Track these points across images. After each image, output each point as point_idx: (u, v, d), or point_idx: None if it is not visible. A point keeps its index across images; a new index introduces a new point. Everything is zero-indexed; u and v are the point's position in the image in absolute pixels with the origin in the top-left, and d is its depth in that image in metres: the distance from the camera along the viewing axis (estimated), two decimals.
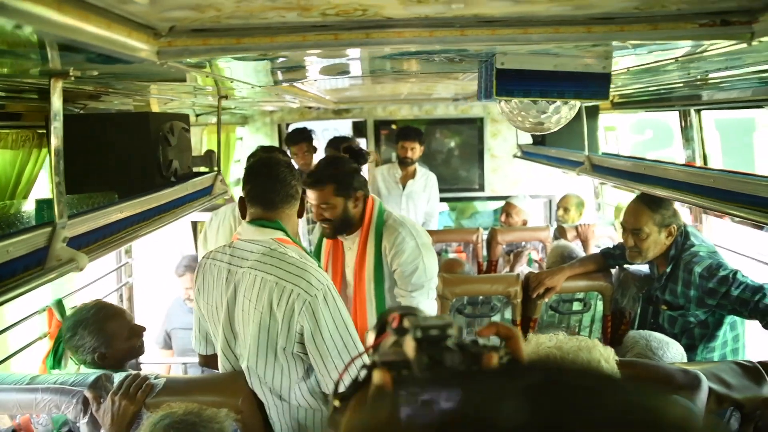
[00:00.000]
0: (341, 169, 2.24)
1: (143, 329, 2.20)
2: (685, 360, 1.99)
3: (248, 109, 4.65)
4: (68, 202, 1.81)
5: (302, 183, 2.04)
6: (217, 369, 1.95)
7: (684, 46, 1.27)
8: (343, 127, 6.45)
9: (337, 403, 0.61)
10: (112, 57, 1.18)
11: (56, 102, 1.29)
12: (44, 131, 2.12)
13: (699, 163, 2.98)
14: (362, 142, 5.30)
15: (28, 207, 1.99)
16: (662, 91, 2.90)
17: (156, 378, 1.85)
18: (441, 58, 1.57)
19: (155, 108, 2.76)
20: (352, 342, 1.71)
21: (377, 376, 0.55)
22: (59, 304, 2.40)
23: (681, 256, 2.41)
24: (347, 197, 2.22)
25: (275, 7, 0.97)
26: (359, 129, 5.59)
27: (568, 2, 1.02)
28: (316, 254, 2.46)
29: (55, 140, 1.31)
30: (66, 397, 1.81)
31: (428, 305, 2.31)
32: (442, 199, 4.84)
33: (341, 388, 0.61)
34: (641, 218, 2.44)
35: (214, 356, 1.98)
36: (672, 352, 1.93)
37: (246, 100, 3.11)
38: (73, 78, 1.27)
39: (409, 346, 0.55)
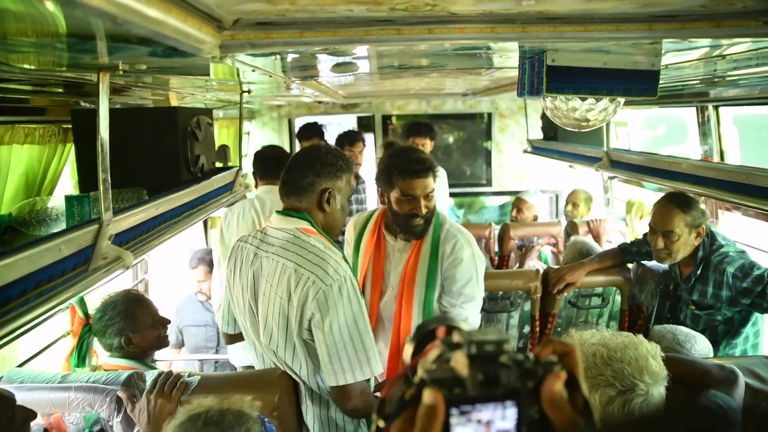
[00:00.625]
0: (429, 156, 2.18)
1: (168, 321, 2.20)
2: (711, 354, 2.00)
3: (257, 103, 4.63)
4: (96, 198, 1.80)
5: (400, 174, 2.05)
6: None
7: (738, 42, 1.27)
8: (347, 122, 6.44)
9: (381, 423, 0.57)
10: (167, 50, 1.17)
11: (104, 96, 1.27)
12: (69, 126, 2.10)
13: (716, 158, 2.99)
14: (368, 137, 5.29)
15: (53, 203, 1.97)
16: (679, 87, 2.91)
17: (189, 376, 1.84)
18: (481, 53, 1.56)
19: (174, 102, 2.73)
20: (359, 339, 1.69)
21: (428, 395, 0.51)
22: (81, 302, 2.37)
23: (710, 258, 2.39)
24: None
25: (348, 1, 0.95)
26: (363, 124, 5.58)
27: (629, 2, 1.02)
28: (355, 250, 2.31)
29: (103, 135, 1.29)
30: (99, 396, 1.80)
31: (476, 319, 2.24)
32: (450, 194, 4.85)
33: (387, 408, 0.56)
34: (673, 219, 2.37)
35: (240, 334, 2.03)
36: (699, 345, 1.94)
37: (264, 94, 3.09)
38: (121, 72, 1.25)
39: (461, 362, 0.52)
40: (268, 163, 2.86)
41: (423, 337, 0.64)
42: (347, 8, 1.00)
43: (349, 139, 4.04)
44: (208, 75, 1.88)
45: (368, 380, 1.79)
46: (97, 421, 1.88)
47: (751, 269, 2.28)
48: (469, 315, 2.16)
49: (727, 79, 2.43)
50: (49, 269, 1.20)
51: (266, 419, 1.84)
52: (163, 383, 1.78)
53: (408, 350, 0.64)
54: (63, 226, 1.74)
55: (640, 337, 1.42)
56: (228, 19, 1.04)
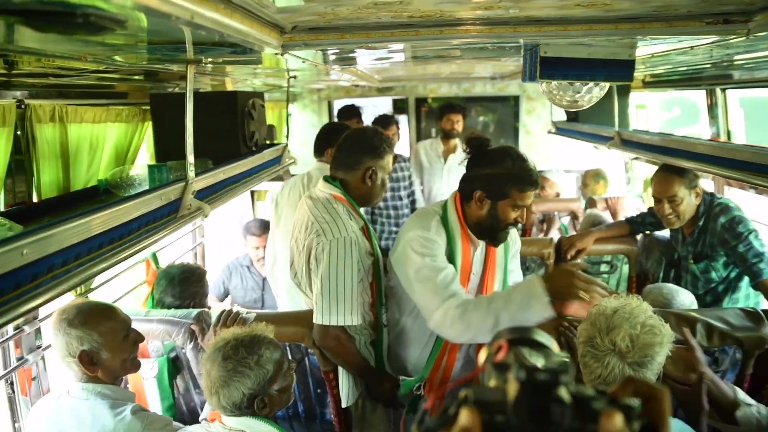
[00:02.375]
0: None
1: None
2: (694, 305, 2.28)
3: (299, 87, 5.00)
4: (171, 167, 2.20)
5: (517, 184, 1.93)
6: None
7: (693, 38, 1.55)
8: (383, 104, 6.76)
9: None
10: (240, 48, 1.53)
11: (190, 84, 1.64)
12: (147, 107, 2.50)
13: (723, 138, 3.21)
14: (403, 119, 5.61)
15: (137, 171, 2.37)
16: (690, 71, 3.12)
17: (247, 313, 2.24)
18: (493, 46, 1.87)
19: (229, 87, 3.12)
20: (342, 291, 1.99)
21: (465, 416, 0.46)
22: (154, 256, 2.81)
23: (711, 210, 2.60)
24: None
25: (377, 12, 1.30)
26: (398, 106, 5.89)
27: (600, 6, 1.32)
28: (450, 258, 2.03)
29: (189, 115, 1.67)
30: (176, 327, 2.21)
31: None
32: None
33: (430, 419, 0.51)
34: (674, 185, 2.60)
35: None
36: (681, 298, 2.23)
37: (308, 79, 3.45)
38: (204, 64, 1.62)
39: (512, 386, 0.46)
40: (321, 142, 3.12)
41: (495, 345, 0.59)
42: (376, 16, 1.35)
43: (383, 123, 4.36)
44: (263, 64, 2.25)
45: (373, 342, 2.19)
46: (173, 349, 2.30)
47: (738, 224, 2.50)
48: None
49: (735, 63, 2.65)
50: (151, 214, 1.59)
51: (309, 350, 2.25)
52: (226, 318, 2.18)
53: (481, 357, 0.59)
54: (146, 188, 2.14)
55: (657, 325, 1.44)
56: (288, 26, 1.40)
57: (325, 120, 5.56)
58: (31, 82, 1.83)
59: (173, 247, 3.29)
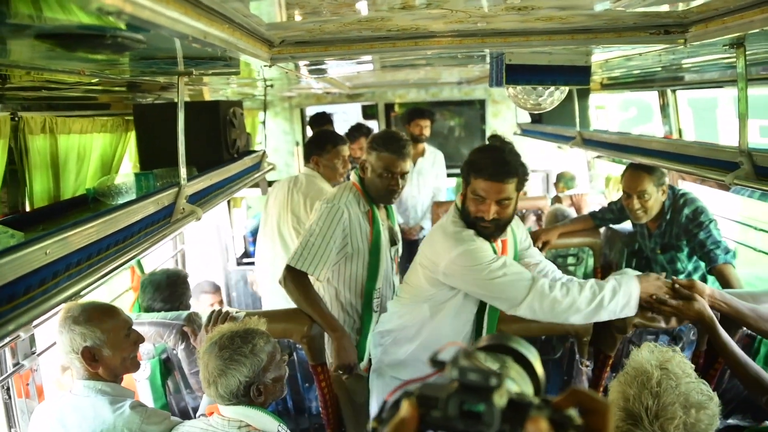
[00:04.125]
0: (519, 159, 2.00)
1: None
2: None
3: (270, 95, 5.09)
4: (158, 174, 2.28)
5: (476, 172, 1.97)
6: None
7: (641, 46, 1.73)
8: (353, 110, 6.89)
9: (374, 424, 0.54)
10: (229, 61, 1.64)
11: (181, 95, 1.74)
12: (130, 118, 2.57)
13: (675, 135, 3.44)
14: (373, 125, 5.75)
15: (123, 179, 2.44)
16: (644, 74, 3.35)
17: (236, 312, 2.33)
18: (462, 55, 2.03)
19: (207, 96, 3.21)
20: (316, 246, 2.30)
21: (404, 408, 0.49)
22: (138, 263, 2.88)
23: (675, 203, 2.78)
24: (518, 191, 2.03)
25: (360, 28, 1.43)
26: (368, 113, 6.02)
27: (557, 20, 1.48)
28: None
29: (181, 124, 1.77)
30: (167, 329, 2.29)
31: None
32: (448, 175, 5.30)
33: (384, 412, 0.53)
34: (643, 182, 2.75)
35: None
36: None
37: (283, 87, 3.55)
38: (194, 75, 1.73)
39: (451, 385, 0.49)
40: (307, 149, 3.24)
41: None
42: (358, 31, 1.48)
43: (354, 133, 4.47)
44: (244, 75, 2.35)
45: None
46: (165, 350, 2.37)
47: (700, 214, 2.69)
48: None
49: (683, 67, 2.87)
50: (145, 221, 1.67)
51: (297, 345, 2.35)
52: (217, 317, 2.27)
53: (446, 352, 0.60)
54: (133, 196, 2.21)
55: (711, 405, 1.24)
56: (276, 40, 1.52)
57: (298, 127, 5.66)
58: (23, 95, 1.90)
59: (155, 254, 3.35)
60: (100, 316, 1.76)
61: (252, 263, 4.51)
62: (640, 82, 3.58)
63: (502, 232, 2.08)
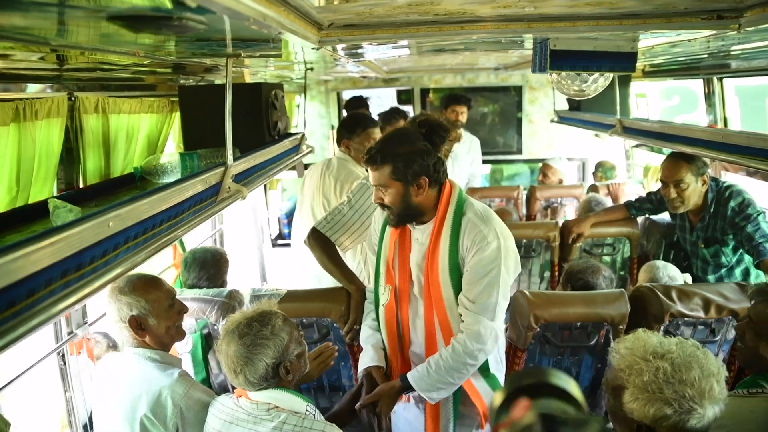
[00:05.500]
0: (402, 149, 1.86)
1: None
2: (688, 281, 2.46)
3: (308, 78, 5.13)
4: (202, 154, 2.34)
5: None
6: None
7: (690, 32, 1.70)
8: (387, 95, 6.89)
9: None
10: (275, 42, 1.67)
11: (229, 77, 1.78)
12: (175, 99, 2.64)
13: (720, 125, 3.36)
14: (408, 109, 5.75)
15: (168, 159, 2.51)
16: (688, 61, 3.26)
17: (277, 291, 2.40)
18: (506, 40, 2.02)
19: (247, 78, 3.26)
20: (349, 219, 2.38)
21: None
22: (180, 241, 2.97)
23: (719, 195, 2.72)
24: (406, 182, 1.87)
25: (407, 11, 1.45)
26: (402, 98, 6.02)
27: (606, 5, 1.47)
28: (379, 242, 2.10)
29: (228, 106, 1.81)
30: (209, 305, 2.37)
31: (489, 327, 1.87)
32: (483, 162, 5.28)
33: None
34: (681, 170, 2.72)
35: None
36: (669, 271, 2.44)
37: (321, 71, 3.58)
38: (243, 58, 1.76)
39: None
40: (339, 134, 3.24)
41: (512, 394, 0.57)
42: (405, 15, 1.50)
43: (388, 117, 4.47)
44: (286, 59, 2.39)
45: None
46: (206, 326, 2.45)
47: (747, 207, 2.63)
48: (482, 328, 1.84)
49: (731, 53, 2.79)
50: (193, 198, 1.73)
51: (335, 323, 2.41)
52: (260, 295, 2.35)
53: (497, 400, 0.58)
54: (178, 175, 2.28)
55: (708, 353, 1.34)
56: (325, 23, 1.55)
57: (333, 110, 5.70)
58: (78, 76, 1.98)
59: (195, 233, 3.44)
60: (145, 286, 1.84)
61: (286, 245, 4.60)
62: (685, 69, 3.49)
63: (404, 222, 1.96)
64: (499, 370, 2.06)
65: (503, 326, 1.94)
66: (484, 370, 1.97)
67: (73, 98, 1.91)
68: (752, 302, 1.64)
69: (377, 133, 3.14)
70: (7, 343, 0.89)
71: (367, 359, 2.04)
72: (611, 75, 2.12)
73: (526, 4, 1.42)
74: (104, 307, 1.88)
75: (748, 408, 1.42)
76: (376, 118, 4.41)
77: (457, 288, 1.90)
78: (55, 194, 1.91)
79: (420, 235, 1.98)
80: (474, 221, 1.89)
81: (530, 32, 1.60)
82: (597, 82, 2.12)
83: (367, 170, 1.96)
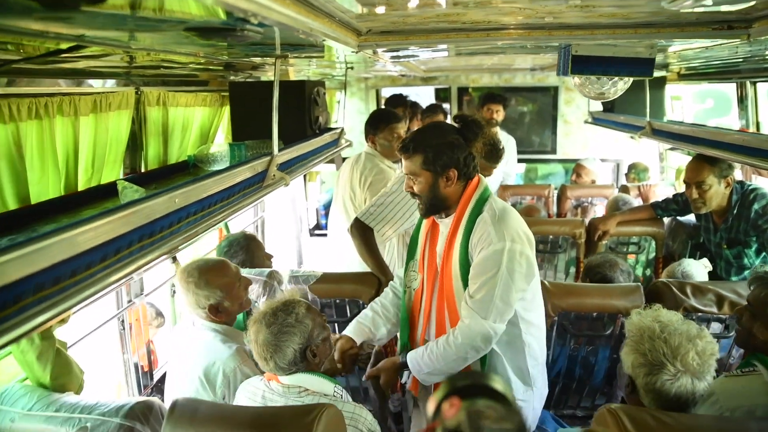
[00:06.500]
0: (434, 140, 1.91)
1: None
2: (698, 278, 2.56)
3: (348, 76, 5.34)
4: (249, 145, 2.56)
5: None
6: None
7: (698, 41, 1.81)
8: (426, 93, 7.05)
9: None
10: (319, 45, 1.86)
11: (277, 76, 1.99)
12: (225, 94, 2.87)
13: (752, 129, 3.39)
14: (445, 107, 5.89)
15: (218, 149, 2.74)
16: (722, 65, 3.31)
17: (313, 273, 2.60)
18: (531, 45, 2.17)
19: (292, 76, 3.48)
20: (385, 207, 2.59)
21: None
22: (226, 225, 3.21)
23: (744, 197, 2.77)
24: (435, 173, 1.93)
25: (437, 20, 1.62)
26: (440, 96, 6.16)
27: (620, 15, 1.60)
28: (416, 231, 2.19)
29: (275, 102, 2.01)
30: (253, 283, 2.59)
31: (479, 324, 1.86)
32: (519, 161, 5.37)
33: None
34: (703, 172, 2.79)
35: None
36: (688, 266, 2.58)
37: (361, 69, 3.77)
38: (289, 59, 1.96)
39: None
40: (366, 129, 3.37)
41: (446, 396, 0.58)
42: (436, 22, 1.66)
43: (429, 111, 4.67)
44: (329, 59, 2.59)
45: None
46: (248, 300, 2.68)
47: None
48: (472, 323, 1.85)
49: (765, 58, 2.84)
50: (242, 183, 1.94)
51: (365, 305, 2.59)
52: (298, 276, 2.55)
53: (430, 406, 0.60)
54: (227, 164, 2.49)
55: (705, 332, 1.50)
56: (363, 30, 1.73)
57: (373, 107, 5.89)
58: (144, 72, 2.22)
59: (239, 220, 3.69)
60: (216, 275, 2.02)
61: (323, 234, 4.82)
62: (719, 72, 3.53)
63: (432, 212, 2.01)
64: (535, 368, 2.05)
65: (501, 328, 1.88)
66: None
67: (139, 92, 2.15)
68: (751, 288, 1.74)
69: (400, 128, 3.27)
70: (94, 292, 1.10)
71: (349, 329, 2.17)
72: (630, 79, 2.23)
73: (545, 14, 1.57)
74: (179, 294, 2.05)
75: (741, 385, 1.56)
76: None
77: (466, 282, 1.92)
78: (121, 177, 2.15)
79: (445, 228, 2.03)
80: (487, 220, 1.90)
81: (551, 40, 1.74)
82: (617, 86, 2.23)
83: (399, 162, 2.10)
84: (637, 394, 1.52)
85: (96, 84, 1.99)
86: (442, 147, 1.91)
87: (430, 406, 0.59)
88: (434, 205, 1.99)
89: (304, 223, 5.16)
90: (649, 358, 1.44)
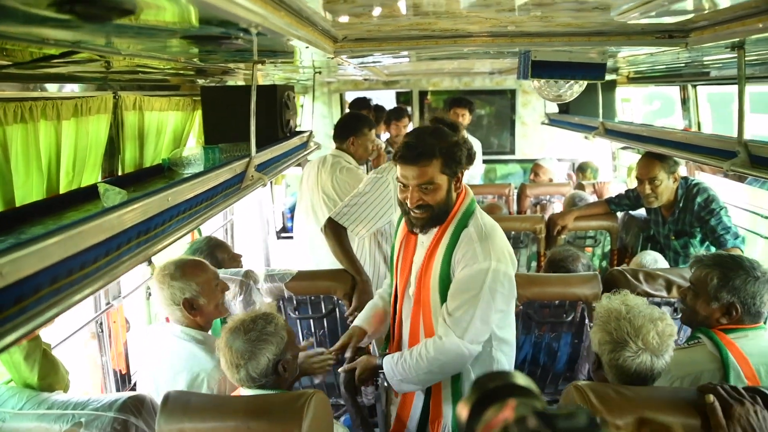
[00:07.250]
0: (443, 141, 1.82)
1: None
2: (657, 264, 2.77)
3: (311, 80, 5.42)
4: (223, 148, 2.62)
5: (396, 157, 1.86)
6: None
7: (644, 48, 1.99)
8: (387, 96, 7.19)
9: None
10: (294, 50, 1.95)
11: (255, 80, 2.07)
12: (197, 98, 2.92)
13: (694, 128, 3.65)
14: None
15: (191, 152, 2.78)
16: (667, 69, 3.55)
17: (287, 271, 2.68)
18: (494, 51, 2.31)
19: (260, 81, 3.55)
20: (360, 207, 2.66)
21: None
22: (198, 229, 3.24)
23: (688, 191, 3.00)
24: (452, 176, 1.85)
25: (409, 28, 1.74)
26: (402, 100, 6.31)
27: (575, 25, 1.76)
28: (393, 239, 2.17)
29: (253, 105, 2.09)
30: (228, 282, 2.64)
31: (454, 343, 1.83)
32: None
33: None
34: (654, 168, 3.00)
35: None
36: (647, 257, 2.71)
37: (327, 74, 3.87)
38: (266, 64, 2.04)
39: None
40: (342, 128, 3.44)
41: (481, 399, 0.56)
42: (407, 31, 1.78)
43: (396, 114, 4.81)
44: (298, 64, 2.68)
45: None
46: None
47: (711, 202, 2.91)
48: (447, 340, 1.82)
49: (705, 63, 3.08)
50: (223, 185, 2.00)
51: (340, 301, 2.69)
52: (273, 275, 2.62)
53: (463, 412, 0.57)
54: (201, 166, 2.54)
55: (667, 317, 1.64)
56: (339, 36, 1.83)
57: (336, 111, 5.98)
58: (121, 77, 2.25)
59: (209, 222, 3.72)
60: (193, 270, 2.07)
61: (290, 237, 4.89)
62: (664, 76, 3.79)
63: (435, 224, 1.90)
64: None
65: (476, 349, 1.85)
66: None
67: (117, 96, 2.19)
68: (692, 270, 1.92)
69: (375, 133, 3.40)
70: (79, 299, 1.11)
71: (361, 319, 2.20)
72: (585, 82, 2.41)
73: (508, 24, 1.71)
74: (155, 294, 2.07)
75: (687, 356, 1.73)
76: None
77: (444, 297, 1.87)
78: (99, 180, 2.18)
79: (425, 239, 1.95)
80: (473, 237, 1.84)
81: (514, 46, 1.89)
82: (572, 89, 2.41)
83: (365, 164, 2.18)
84: (602, 370, 1.67)
85: (76, 88, 2.02)
86: (453, 147, 1.83)
87: (463, 411, 0.56)
88: (445, 212, 1.89)
89: (271, 225, 5.21)
90: (614, 336, 1.59)
